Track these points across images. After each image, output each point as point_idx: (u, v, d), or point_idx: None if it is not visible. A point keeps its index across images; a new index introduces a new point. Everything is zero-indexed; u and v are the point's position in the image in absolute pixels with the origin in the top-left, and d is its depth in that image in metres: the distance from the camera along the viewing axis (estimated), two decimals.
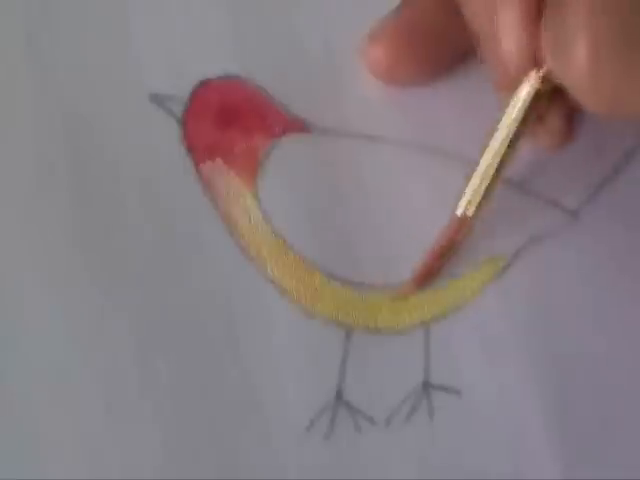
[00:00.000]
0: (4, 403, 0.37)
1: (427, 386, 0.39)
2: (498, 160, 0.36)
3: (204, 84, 0.38)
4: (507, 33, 0.34)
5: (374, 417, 0.39)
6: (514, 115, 0.35)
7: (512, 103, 0.35)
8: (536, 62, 0.34)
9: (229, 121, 0.38)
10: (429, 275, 0.38)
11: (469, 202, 0.37)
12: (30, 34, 0.38)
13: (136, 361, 0.38)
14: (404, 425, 0.39)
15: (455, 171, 0.39)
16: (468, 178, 0.37)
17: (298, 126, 0.39)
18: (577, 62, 0.32)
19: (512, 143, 0.36)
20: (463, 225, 0.37)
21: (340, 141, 0.39)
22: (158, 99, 0.38)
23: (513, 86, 0.35)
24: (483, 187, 0.36)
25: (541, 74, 0.34)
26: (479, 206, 0.37)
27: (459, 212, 0.37)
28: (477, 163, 0.36)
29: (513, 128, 0.35)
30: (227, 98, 0.38)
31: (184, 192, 0.38)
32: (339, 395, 0.38)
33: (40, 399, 0.37)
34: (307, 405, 0.38)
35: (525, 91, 0.35)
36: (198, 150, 0.38)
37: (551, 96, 0.35)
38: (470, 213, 0.37)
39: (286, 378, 0.38)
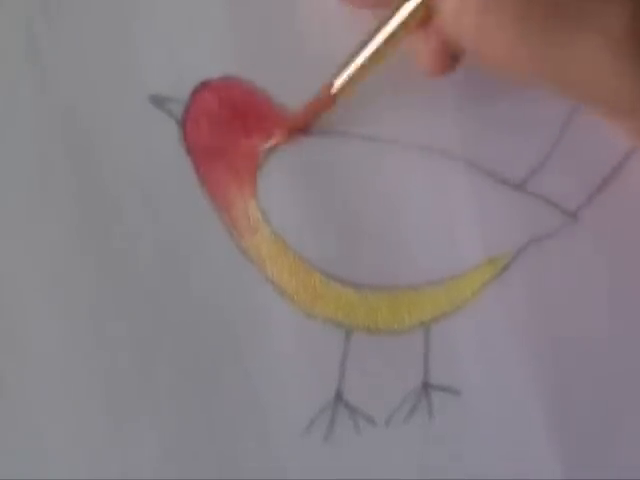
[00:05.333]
0: (4, 403, 0.37)
1: (427, 386, 0.39)
2: (375, 50, 0.36)
3: (204, 85, 0.38)
4: None
5: (374, 417, 0.39)
6: (398, 16, 0.35)
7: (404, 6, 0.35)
8: None
9: (229, 122, 0.38)
10: (297, 129, 0.39)
11: (342, 82, 0.37)
12: (30, 34, 0.38)
13: (136, 362, 0.38)
14: (404, 425, 0.39)
15: (455, 171, 0.39)
16: (345, 61, 0.37)
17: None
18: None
19: (390, 39, 0.36)
20: (331, 100, 0.37)
21: (339, 141, 0.39)
22: (158, 100, 0.38)
23: None
24: (357, 72, 0.37)
25: None
26: (348, 87, 0.37)
27: (334, 90, 0.37)
28: (358, 50, 0.37)
29: (394, 25, 0.35)
30: (227, 99, 0.38)
31: (184, 193, 0.38)
32: (339, 395, 0.38)
33: (40, 399, 0.37)
34: (307, 405, 0.38)
35: None
36: (198, 151, 0.38)
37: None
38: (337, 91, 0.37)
39: (286, 378, 0.38)
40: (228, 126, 0.38)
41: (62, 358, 0.37)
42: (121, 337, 0.38)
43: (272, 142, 0.38)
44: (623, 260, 0.39)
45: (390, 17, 0.35)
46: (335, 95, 0.37)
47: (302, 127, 0.38)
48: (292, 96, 0.38)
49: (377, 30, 0.36)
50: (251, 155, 0.38)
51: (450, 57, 0.35)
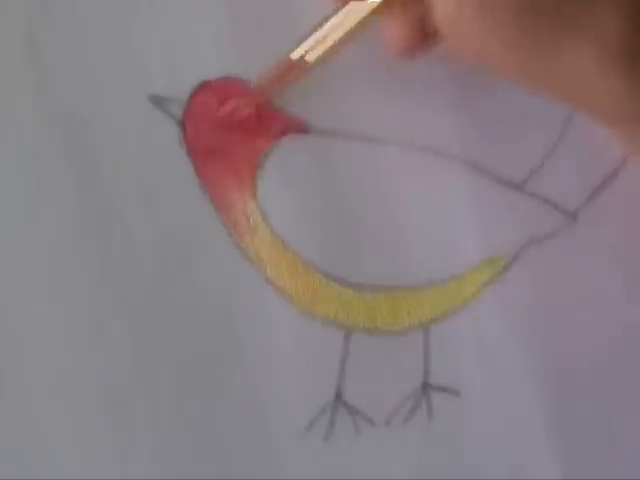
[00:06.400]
0: (4, 403, 0.37)
1: (426, 387, 0.39)
2: (346, 23, 0.36)
3: (204, 85, 0.38)
4: None
5: (373, 417, 0.39)
6: None
7: None
8: None
9: (228, 123, 0.38)
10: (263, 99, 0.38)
11: (308, 50, 0.37)
12: (30, 34, 0.38)
13: (136, 361, 0.38)
14: (403, 426, 0.39)
15: (455, 171, 0.39)
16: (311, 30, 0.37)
17: (297, 127, 0.39)
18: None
19: (357, 11, 0.35)
20: (299, 68, 0.37)
21: (339, 142, 0.39)
22: (158, 101, 0.38)
23: None
24: (326, 41, 0.36)
25: None
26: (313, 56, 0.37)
27: (295, 55, 0.37)
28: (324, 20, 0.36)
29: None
30: (227, 99, 0.38)
31: (184, 193, 0.38)
32: (338, 395, 0.38)
33: (40, 399, 0.37)
34: (307, 405, 0.38)
35: None
36: (198, 151, 0.38)
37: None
38: (309, 59, 0.37)
39: (286, 378, 0.38)
40: (228, 126, 0.38)
41: (62, 358, 0.37)
42: (121, 337, 0.38)
43: (233, 108, 0.38)
44: (623, 260, 0.39)
45: None
46: (299, 63, 0.37)
47: (268, 97, 0.38)
48: (291, 96, 0.38)
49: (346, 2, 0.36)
50: (251, 155, 0.38)
51: (422, 39, 0.35)
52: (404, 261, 0.39)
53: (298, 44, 0.37)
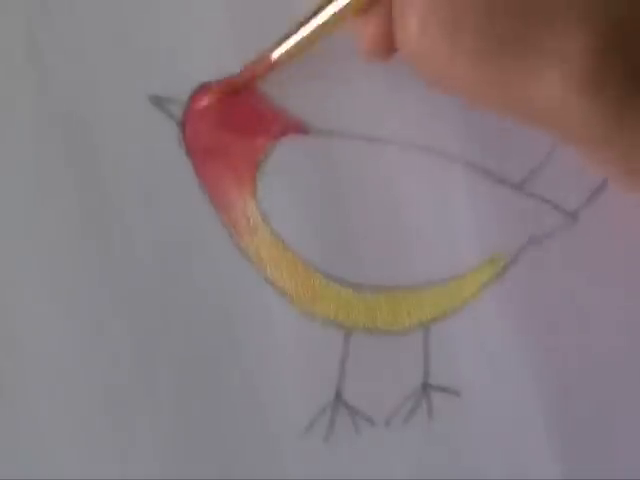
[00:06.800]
0: (4, 403, 0.37)
1: (426, 386, 0.39)
2: (317, 24, 0.36)
3: (204, 86, 0.38)
4: None
5: (373, 417, 0.39)
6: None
7: None
8: None
9: (228, 123, 0.38)
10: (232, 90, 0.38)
11: (284, 50, 0.37)
12: (30, 34, 0.38)
13: (136, 362, 0.38)
14: (403, 426, 0.39)
15: (455, 171, 0.39)
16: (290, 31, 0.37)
17: (297, 127, 0.39)
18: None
19: (334, 18, 0.35)
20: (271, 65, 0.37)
21: (339, 142, 0.39)
22: (158, 101, 0.38)
23: None
24: (299, 40, 0.36)
25: None
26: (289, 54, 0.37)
27: (275, 56, 0.37)
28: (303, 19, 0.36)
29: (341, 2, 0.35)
30: (227, 99, 0.38)
31: (184, 193, 0.38)
32: (338, 395, 0.38)
33: (40, 399, 0.37)
34: (307, 405, 0.38)
35: None
36: (197, 152, 0.38)
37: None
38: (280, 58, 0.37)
39: (286, 378, 0.38)
40: (228, 127, 0.38)
41: (62, 358, 0.38)
42: (121, 337, 0.38)
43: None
44: (622, 260, 0.39)
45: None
46: (271, 60, 0.37)
47: (237, 89, 0.38)
48: (291, 97, 0.38)
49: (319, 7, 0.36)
50: (251, 155, 0.38)
51: (391, 43, 0.34)
52: (404, 261, 0.39)
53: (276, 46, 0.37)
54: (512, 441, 0.39)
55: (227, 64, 0.38)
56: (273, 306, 0.38)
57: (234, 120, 0.38)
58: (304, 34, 0.36)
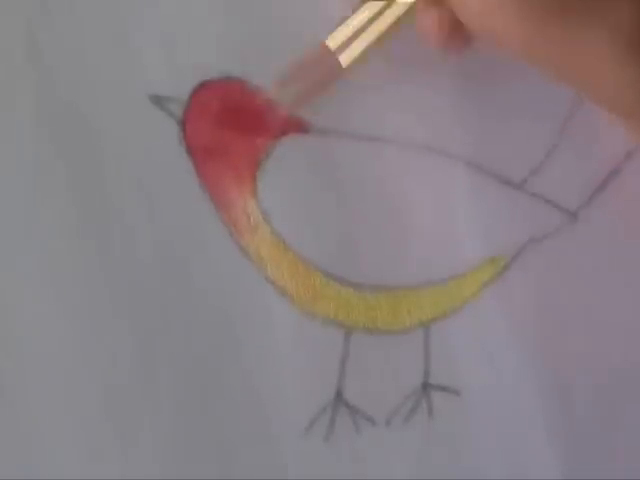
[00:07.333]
0: (4, 403, 0.37)
1: (426, 386, 0.39)
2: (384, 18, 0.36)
3: (204, 85, 0.38)
4: None
5: (374, 417, 0.39)
6: None
7: None
8: None
9: (229, 122, 0.38)
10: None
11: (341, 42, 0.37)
12: (30, 34, 0.38)
13: (136, 362, 0.38)
14: (404, 425, 0.39)
15: (455, 171, 0.39)
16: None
17: (297, 126, 0.39)
18: None
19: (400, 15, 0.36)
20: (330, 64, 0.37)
21: (339, 141, 0.39)
22: (158, 100, 0.38)
23: None
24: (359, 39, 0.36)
25: None
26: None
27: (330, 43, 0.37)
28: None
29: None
30: (227, 99, 0.38)
31: (184, 193, 0.38)
32: (339, 395, 0.38)
33: (40, 399, 0.37)
34: (307, 405, 0.38)
35: None
36: (198, 151, 0.38)
37: None
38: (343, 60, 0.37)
39: (286, 378, 0.38)
40: (228, 126, 0.38)
41: (62, 358, 0.37)
42: (121, 337, 0.38)
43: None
44: (623, 260, 0.40)
45: None
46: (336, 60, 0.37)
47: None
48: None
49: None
50: (251, 154, 0.38)
51: (462, 35, 0.35)
52: (404, 260, 0.39)
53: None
54: (512, 441, 0.39)
55: (227, 63, 0.38)
56: (273, 305, 0.38)
57: (235, 119, 0.38)
58: (369, 38, 0.36)
